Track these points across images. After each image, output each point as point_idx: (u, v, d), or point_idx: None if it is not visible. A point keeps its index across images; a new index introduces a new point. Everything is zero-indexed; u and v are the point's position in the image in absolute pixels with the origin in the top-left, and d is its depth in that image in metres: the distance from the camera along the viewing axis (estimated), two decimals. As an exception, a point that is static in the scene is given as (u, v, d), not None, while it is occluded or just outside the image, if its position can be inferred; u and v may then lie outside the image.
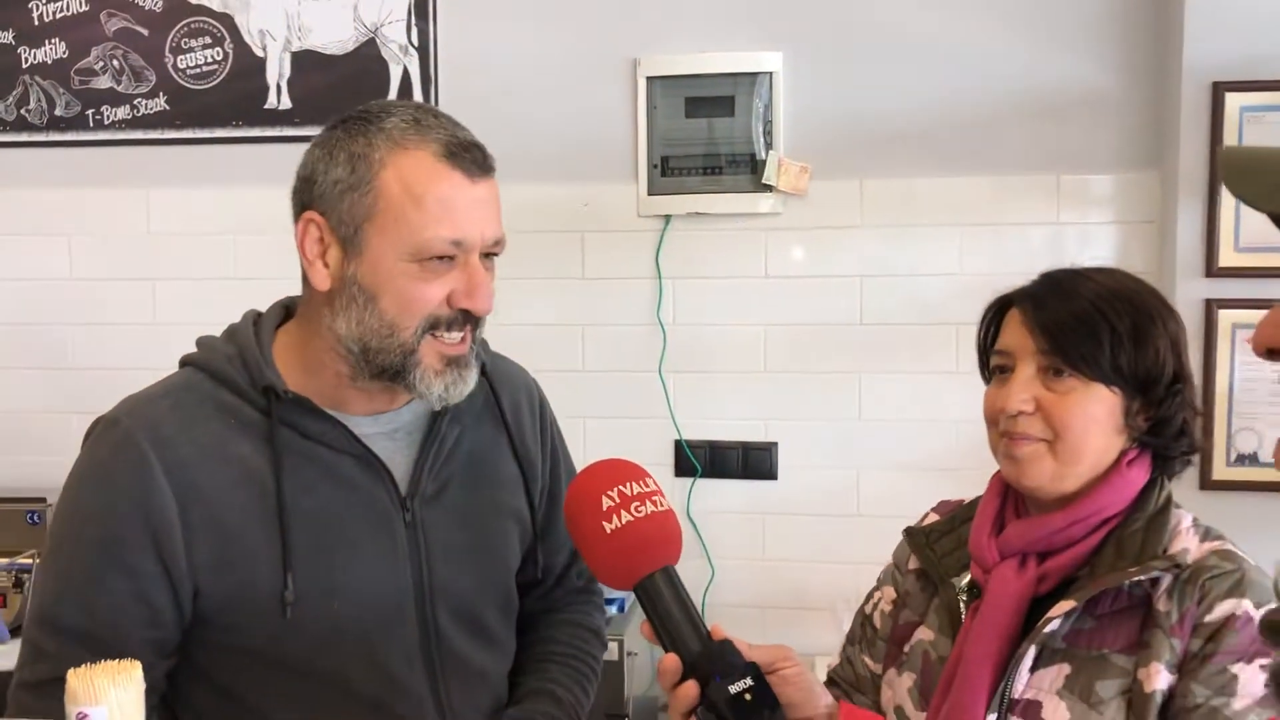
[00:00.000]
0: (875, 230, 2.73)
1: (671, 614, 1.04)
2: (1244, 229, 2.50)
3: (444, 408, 1.31)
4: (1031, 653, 1.21)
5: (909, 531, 1.46)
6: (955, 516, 1.43)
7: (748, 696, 0.99)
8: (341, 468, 1.26)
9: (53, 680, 1.06)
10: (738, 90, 2.74)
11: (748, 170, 2.74)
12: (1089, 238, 2.67)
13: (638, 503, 1.04)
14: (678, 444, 2.80)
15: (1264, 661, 1.12)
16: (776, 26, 2.73)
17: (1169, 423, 1.26)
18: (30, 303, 3.00)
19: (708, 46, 2.75)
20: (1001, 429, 1.29)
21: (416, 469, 1.31)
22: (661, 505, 1.06)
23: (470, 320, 1.24)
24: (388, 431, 1.31)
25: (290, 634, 1.22)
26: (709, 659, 1.01)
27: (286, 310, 1.35)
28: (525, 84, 2.81)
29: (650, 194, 2.77)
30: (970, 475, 2.68)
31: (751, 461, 2.79)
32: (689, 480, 2.80)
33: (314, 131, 2.85)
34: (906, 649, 1.37)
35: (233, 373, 1.26)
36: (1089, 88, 2.63)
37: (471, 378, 1.27)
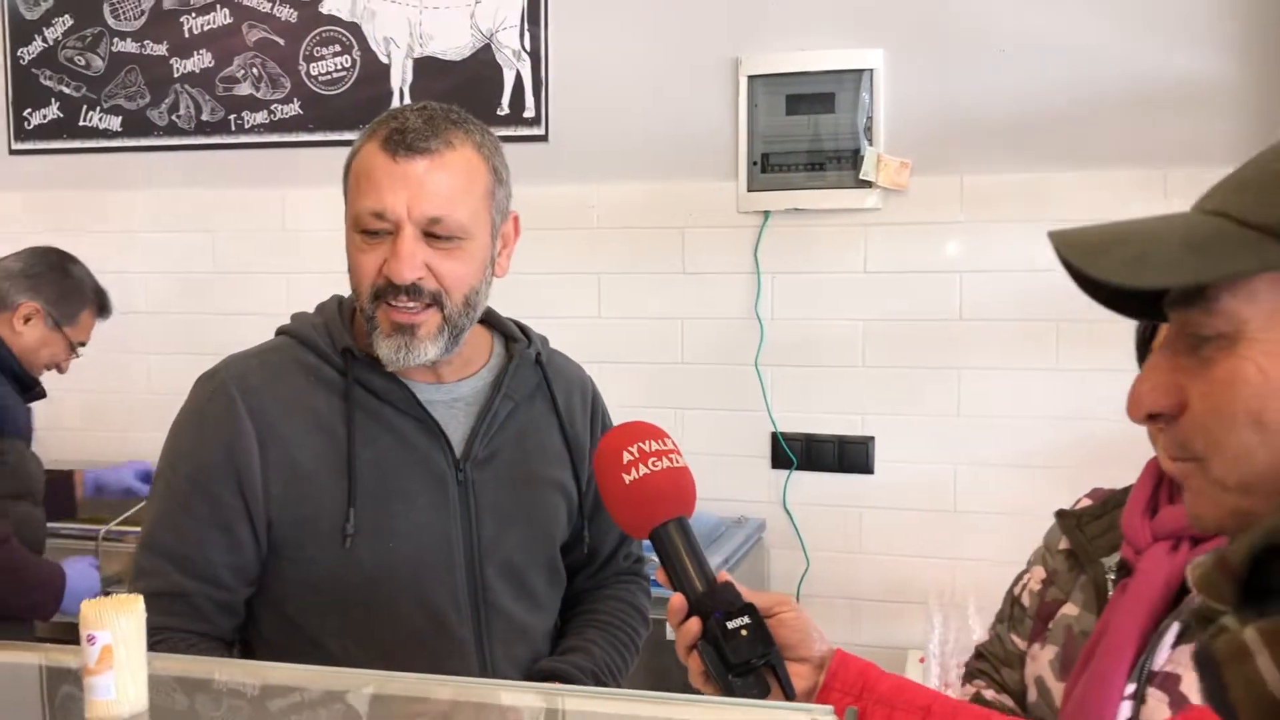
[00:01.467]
0: (975, 225, 2.72)
1: (681, 559, 1.13)
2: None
3: (499, 387, 1.48)
4: (1175, 628, 1.27)
5: (1061, 514, 1.53)
6: (1108, 501, 1.48)
7: (744, 632, 1.07)
8: (403, 427, 1.42)
9: (151, 595, 1.21)
10: (838, 87, 2.76)
11: (848, 166, 2.76)
12: (1199, 233, 2.60)
13: (654, 458, 1.15)
14: (774, 436, 2.85)
15: None
16: (876, 24, 2.74)
17: None
18: (179, 294, 3.26)
19: (808, 45, 2.78)
20: None
21: (471, 435, 1.45)
22: (677, 462, 1.17)
23: (420, 295, 1.35)
24: (447, 401, 1.46)
25: (349, 567, 1.37)
26: (711, 598, 1.10)
27: None
28: (630, 85, 2.90)
29: (750, 190, 2.82)
30: (1069, 473, 2.68)
31: (848, 455, 2.82)
32: (784, 472, 2.85)
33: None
34: (1050, 624, 1.44)
35: (316, 338, 1.44)
36: (1198, 78, 2.56)
37: (425, 348, 1.38)
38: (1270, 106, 2.52)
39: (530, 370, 1.53)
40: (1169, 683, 1.25)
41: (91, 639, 0.82)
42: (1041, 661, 1.42)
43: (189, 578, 1.36)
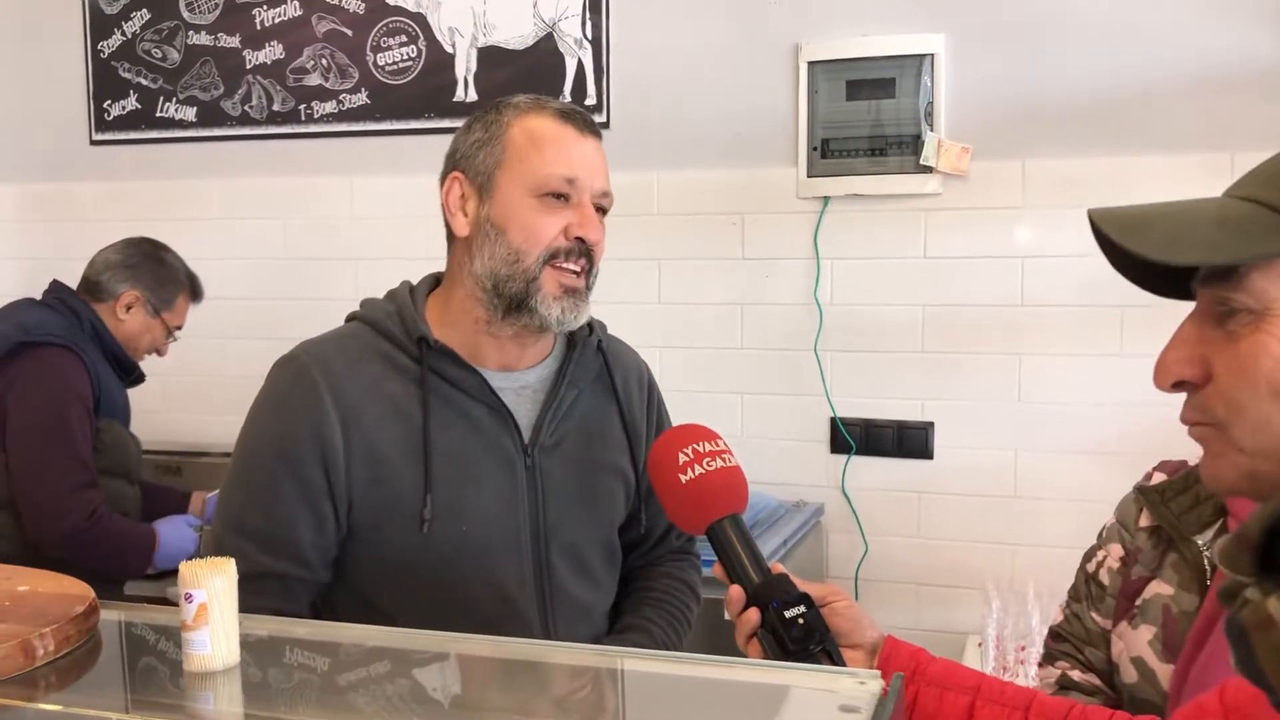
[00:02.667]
0: (1037, 211, 2.71)
1: (737, 553, 1.19)
2: None
3: (563, 374, 1.53)
4: None
5: (1141, 490, 1.52)
6: (1189, 475, 1.47)
7: (800, 620, 1.13)
8: (475, 413, 1.47)
9: (243, 577, 1.28)
10: (899, 72, 2.77)
11: (909, 152, 2.77)
12: (1267, 218, 2.57)
13: (709, 459, 1.23)
14: (832, 421, 2.87)
15: None
16: (938, 8, 2.74)
17: None
18: (250, 279, 3.35)
19: (868, 30, 2.79)
20: None
21: (538, 422, 1.51)
22: (729, 462, 1.24)
23: (585, 255, 1.45)
24: (515, 388, 1.51)
25: (424, 549, 1.42)
26: (768, 589, 1.15)
27: (436, 280, 1.58)
28: (690, 72, 2.93)
29: (809, 176, 2.84)
30: (1131, 459, 2.64)
31: (907, 440, 2.83)
32: (844, 457, 2.86)
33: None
34: (1139, 603, 1.44)
35: (391, 326, 1.48)
36: (1262, 61, 2.53)
37: (586, 309, 1.48)
38: (1342, 89, 2.48)
39: (592, 357, 1.58)
40: None
41: (189, 597, 0.87)
42: (1138, 642, 1.41)
43: (278, 559, 1.41)
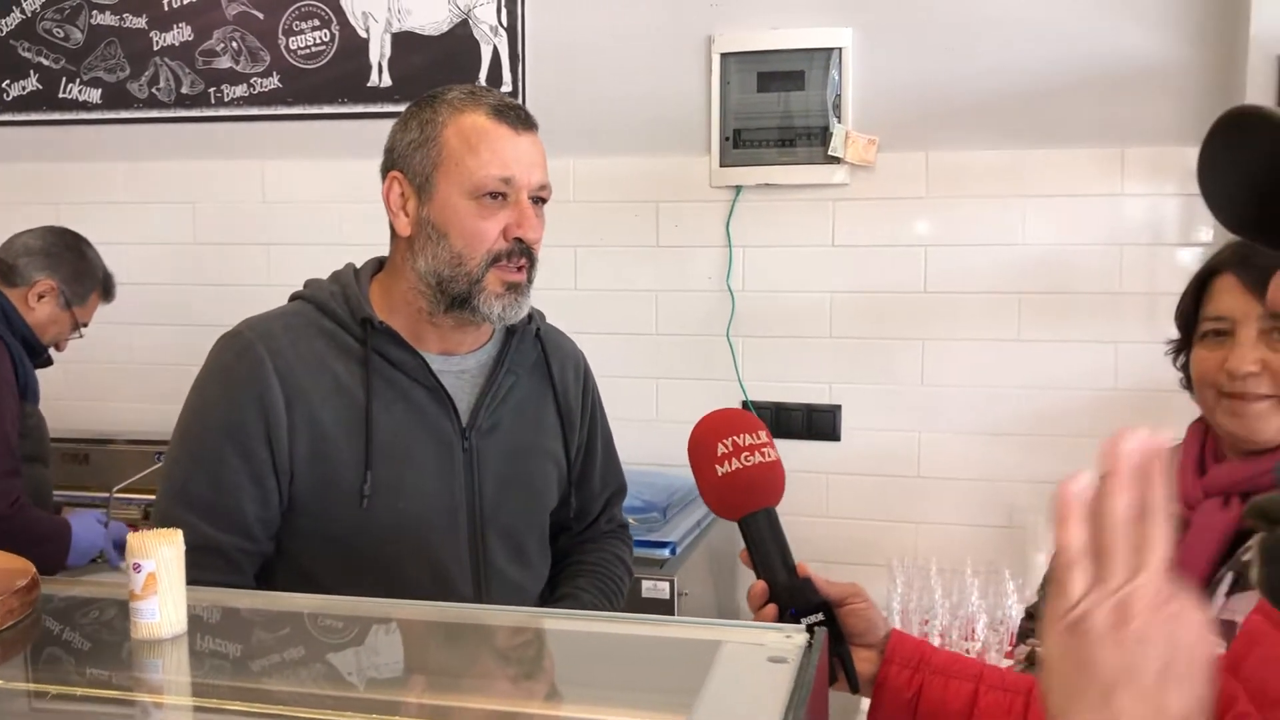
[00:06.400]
0: (941, 201, 2.82)
1: (766, 548, 1.20)
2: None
3: (502, 360, 1.57)
4: (1229, 578, 1.35)
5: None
6: None
7: (816, 629, 1.14)
8: (415, 395, 1.50)
9: (189, 549, 1.30)
10: (808, 65, 2.85)
11: (818, 143, 2.85)
12: (1153, 210, 2.71)
13: (748, 453, 1.20)
14: (744, 405, 2.94)
15: None
16: (847, 3, 2.82)
17: None
18: (158, 265, 3.30)
19: (779, 23, 2.86)
20: (1226, 389, 1.41)
21: (476, 406, 1.55)
22: (769, 456, 1.22)
23: (526, 253, 1.48)
24: (455, 372, 1.55)
25: (364, 525, 1.45)
26: (790, 591, 1.17)
27: (379, 264, 1.61)
28: (605, 62, 2.97)
29: (722, 165, 2.90)
30: (1028, 440, 2.80)
31: (815, 423, 2.92)
32: (755, 439, 2.94)
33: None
34: None
35: (335, 306, 1.51)
36: (1155, 60, 2.67)
37: (526, 304, 1.52)
38: (1221, 88, 2.62)
39: (530, 345, 1.63)
40: (1227, 630, 1.32)
41: (137, 567, 0.89)
42: None
43: (223, 531, 1.43)
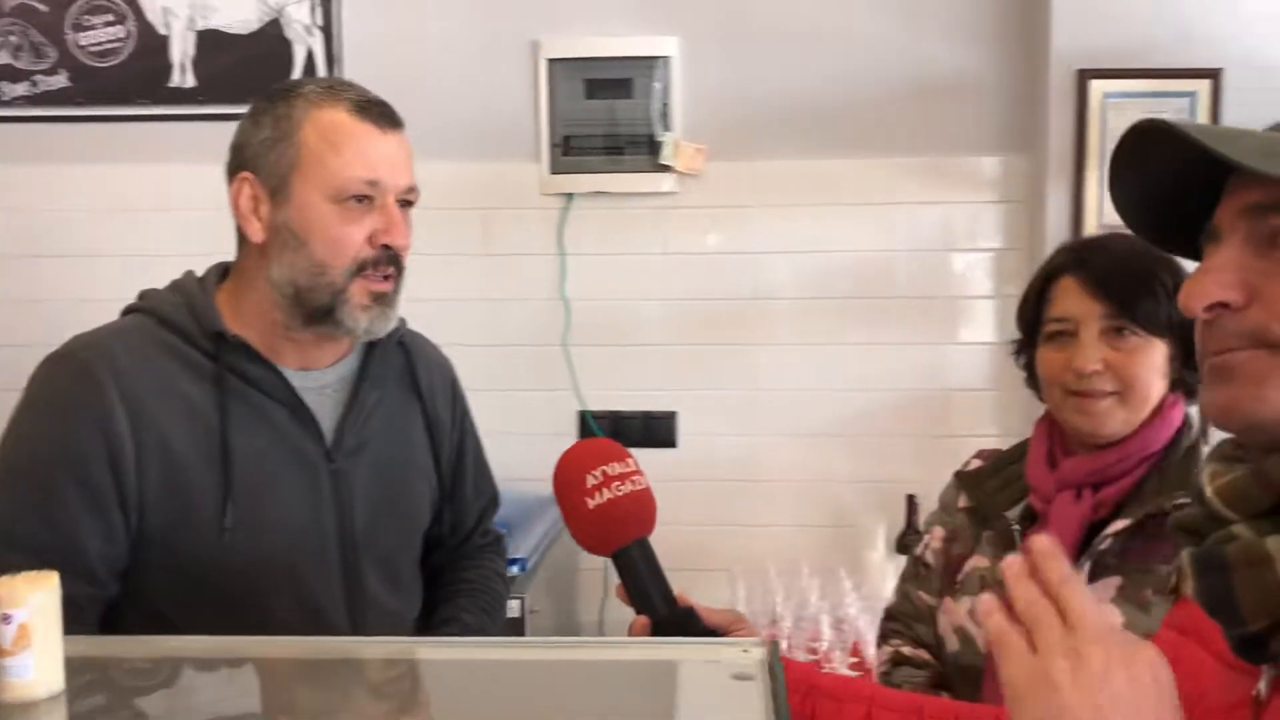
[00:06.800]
0: (768, 209, 2.86)
1: (643, 581, 1.15)
2: (1107, 208, 2.66)
3: (365, 373, 1.47)
4: (1086, 568, 1.40)
5: (960, 475, 1.64)
6: (999, 461, 1.60)
7: None
8: (275, 415, 1.39)
9: None
10: (636, 73, 2.84)
11: (648, 151, 2.85)
12: (967, 216, 2.84)
13: (619, 481, 1.16)
14: (581, 415, 2.91)
15: None
16: (672, 11, 2.83)
17: None
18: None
19: (606, 30, 2.84)
20: (1072, 387, 1.45)
21: (341, 424, 1.44)
22: (640, 484, 1.18)
23: (393, 261, 1.39)
24: (315, 388, 1.44)
25: (225, 560, 1.33)
26: (674, 625, 1.13)
27: (224, 271, 1.47)
28: (428, 65, 2.88)
29: (553, 173, 2.86)
30: (853, 440, 2.87)
31: (652, 430, 2.91)
32: (592, 449, 2.90)
33: (220, 110, 2.88)
34: (960, 577, 1.55)
35: (180, 319, 1.38)
36: (966, 74, 2.79)
37: (394, 316, 1.43)
38: (1025, 99, 2.77)
39: (394, 352, 1.53)
40: None
41: (7, 618, 0.77)
42: (959, 613, 1.53)
43: (62, 574, 1.27)
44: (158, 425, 1.33)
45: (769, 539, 2.89)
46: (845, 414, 2.88)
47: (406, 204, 1.43)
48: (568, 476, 1.18)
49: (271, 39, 2.88)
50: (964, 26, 2.78)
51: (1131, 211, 0.88)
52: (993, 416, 2.87)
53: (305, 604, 1.39)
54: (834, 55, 2.81)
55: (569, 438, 2.92)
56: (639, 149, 2.85)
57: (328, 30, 2.87)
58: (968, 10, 2.78)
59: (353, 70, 2.88)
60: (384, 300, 1.40)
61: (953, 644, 1.53)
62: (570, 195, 2.87)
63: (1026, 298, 1.57)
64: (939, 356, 2.87)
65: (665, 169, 2.84)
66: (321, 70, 2.87)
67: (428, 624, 1.57)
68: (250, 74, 2.85)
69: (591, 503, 1.14)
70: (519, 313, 2.91)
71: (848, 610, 2.56)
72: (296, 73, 2.88)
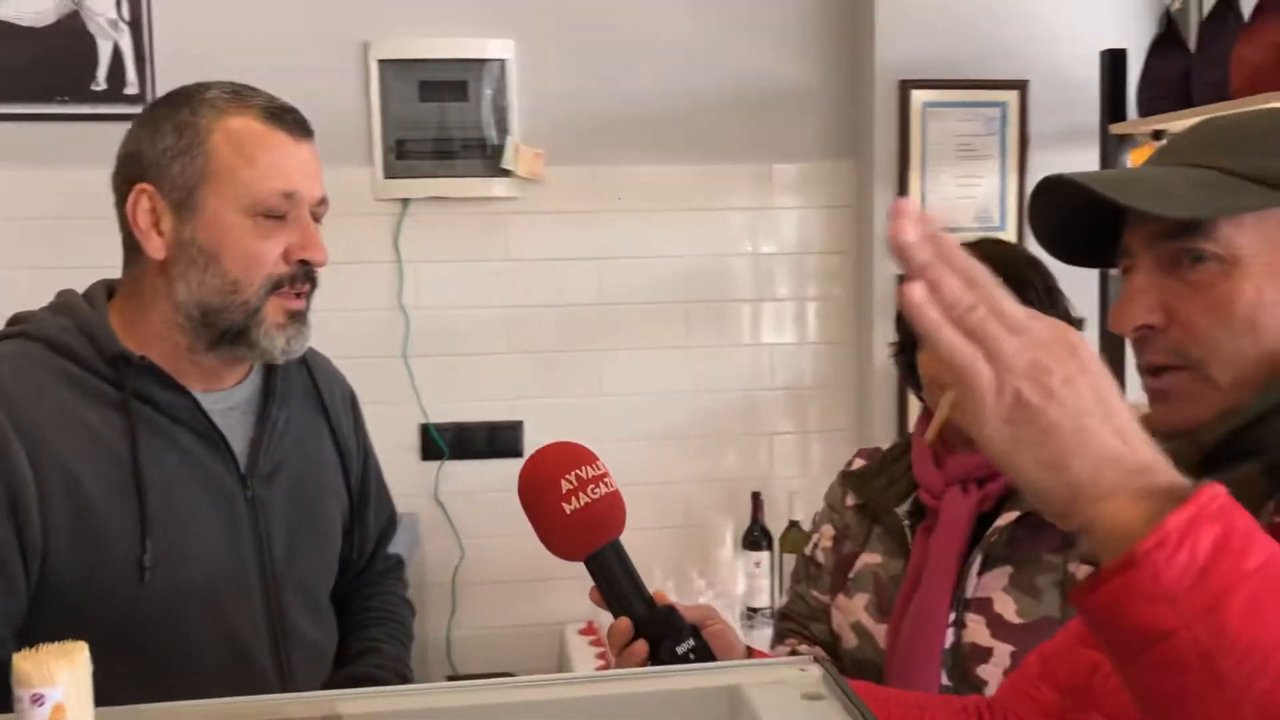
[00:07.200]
0: (608, 215, 2.87)
1: (620, 582, 1.14)
2: (930, 212, 2.83)
3: (271, 392, 1.39)
4: (979, 559, 1.45)
5: (846, 475, 1.68)
6: (884, 459, 1.65)
7: (692, 656, 1.10)
8: (185, 441, 1.29)
9: None
10: (471, 76, 2.78)
11: (486, 155, 2.80)
12: (799, 221, 2.93)
13: (592, 485, 1.14)
14: (423, 427, 2.82)
15: None
16: (507, 15, 2.79)
17: None
18: None
19: (439, 32, 2.77)
20: (950, 385, 1.48)
21: (253, 448, 1.35)
22: (611, 486, 1.16)
23: (309, 278, 1.33)
24: (222, 410, 1.34)
25: (142, 601, 1.23)
26: (656, 622, 1.11)
27: (108, 290, 1.36)
28: (250, 65, 2.66)
29: (387, 177, 2.76)
30: (698, 441, 2.92)
31: (499, 440, 2.86)
32: (436, 464, 2.83)
33: (13, 109, 2.63)
34: (852, 574, 1.58)
35: (73, 343, 1.26)
36: (797, 84, 2.89)
37: (309, 333, 1.35)
38: (852, 109, 2.90)
39: (296, 370, 1.45)
40: (983, 606, 1.44)
41: (39, 699, 0.67)
42: (855, 608, 1.55)
43: None
44: (61, 461, 1.20)
45: (623, 544, 2.89)
46: (690, 416, 2.92)
47: (316, 218, 1.36)
48: (538, 483, 1.15)
49: (71, 32, 2.65)
50: (795, 39, 2.88)
51: (1048, 242, 0.98)
52: (829, 412, 2.98)
53: (230, 644, 1.29)
54: (670, 64, 2.84)
55: (411, 452, 2.83)
56: (478, 153, 2.80)
57: (136, 25, 2.67)
58: (798, 24, 2.87)
59: (166, 70, 2.69)
60: (300, 318, 1.34)
61: (849, 640, 1.57)
62: (406, 201, 2.78)
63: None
64: (776, 356, 2.95)
65: (505, 173, 2.80)
66: (130, 68, 2.67)
67: (342, 656, 1.49)
68: (49, 70, 2.61)
69: (569, 508, 1.12)
70: (355, 323, 2.79)
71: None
72: (102, 69, 2.66)
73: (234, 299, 1.28)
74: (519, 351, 2.86)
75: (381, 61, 2.75)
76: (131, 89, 2.67)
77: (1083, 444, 0.67)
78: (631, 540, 3.05)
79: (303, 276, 1.32)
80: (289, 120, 1.33)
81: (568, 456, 1.17)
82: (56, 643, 0.71)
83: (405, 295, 2.79)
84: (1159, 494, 0.65)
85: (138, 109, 2.64)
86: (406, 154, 2.77)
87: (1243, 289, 0.82)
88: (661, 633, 1.11)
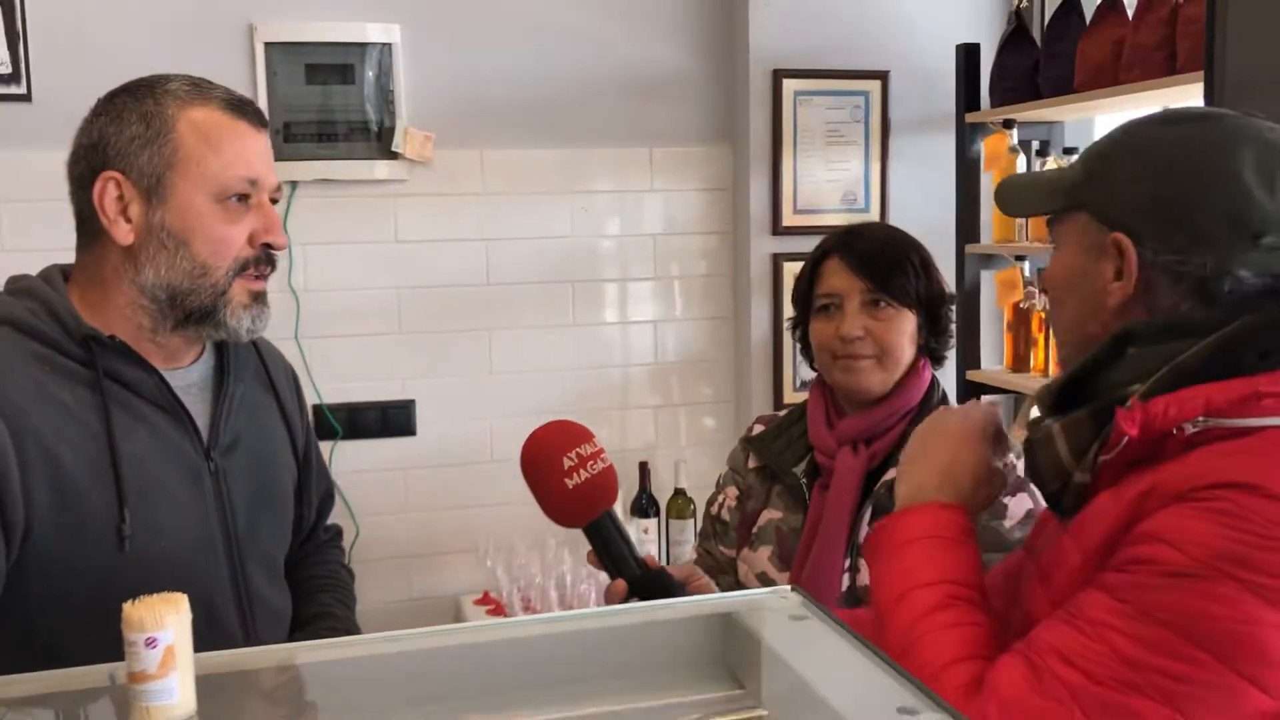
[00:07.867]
0: (496, 197, 2.94)
1: (617, 547, 1.28)
2: (800, 194, 3.01)
3: (226, 368, 1.45)
4: (869, 510, 1.60)
5: (747, 439, 1.82)
6: (780, 424, 1.79)
7: None
8: (153, 418, 1.34)
9: None
10: (358, 59, 2.81)
11: (375, 138, 2.83)
12: (679, 203, 3.07)
13: (591, 461, 1.28)
14: (317, 408, 2.84)
15: (1023, 493, 1.55)
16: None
17: (946, 331, 1.72)
18: None
19: (325, 15, 2.79)
20: (839, 352, 1.66)
21: (213, 422, 1.41)
22: (606, 461, 1.30)
23: (271, 261, 1.40)
24: (183, 387, 1.39)
25: (121, 571, 1.27)
26: (650, 582, 1.25)
27: (63, 274, 1.39)
28: (130, 44, 2.68)
29: (275, 160, 2.76)
30: (586, 415, 2.92)
31: (391, 420, 2.91)
32: (330, 444, 2.86)
33: None
34: (755, 529, 1.72)
35: (40, 325, 1.30)
36: (675, 71, 3.02)
37: (269, 313, 1.43)
38: (727, 95, 3.04)
39: (247, 349, 1.51)
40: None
41: (152, 642, 0.73)
42: (759, 560, 1.70)
43: None
44: (40, 438, 1.25)
45: (515, 516, 2.96)
46: (578, 391, 3.03)
47: (272, 202, 1.43)
48: (541, 459, 1.29)
49: (-64, 10, 2.56)
50: (675, 28, 3.00)
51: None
52: (710, 385, 3.14)
53: (201, 608, 1.33)
54: (555, 50, 2.93)
55: (305, 433, 2.85)
56: (367, 136, 2.83)
57: (8, 4, 2.59)
58: (678, 13, 3.00)
59: (41, 52, 2.64)
60: (261, 299, 1.41)
61: (755, 589, 1.72)
62: (295, 183, 2.79)
63: (800, 277, 1.79)
64: (659, 332, 3.09)
65: (392, 156, 2.84)
66: (4, 47, 2.59)
67: (296, 621, 1.56)
68: (-88, 48, 2.52)
69: (570, 483, 1.26)
70: (246, 306, 2.79)
71: (599, 574, 2.72)
72: (-28, 48, 2.57)
73: (203, 281, 1.33)
74: (409, 332, 2.91)
75: (268, 44, 2.75)
76: (6, 68, 2.60)
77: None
78: (527, 511, 3.16)
79: (265, 259, 1.39)
80: (249, 111, 1.39)
81: (569, 435, 1.31)
82: (166, 594, 0.78)
83: (295, 277, 2.81)
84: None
85: (13, 89, 2.61)
86: (294, 137, 2.79)
87: (1052, 269, 1.19)
88: (656, 591, 1.26)
